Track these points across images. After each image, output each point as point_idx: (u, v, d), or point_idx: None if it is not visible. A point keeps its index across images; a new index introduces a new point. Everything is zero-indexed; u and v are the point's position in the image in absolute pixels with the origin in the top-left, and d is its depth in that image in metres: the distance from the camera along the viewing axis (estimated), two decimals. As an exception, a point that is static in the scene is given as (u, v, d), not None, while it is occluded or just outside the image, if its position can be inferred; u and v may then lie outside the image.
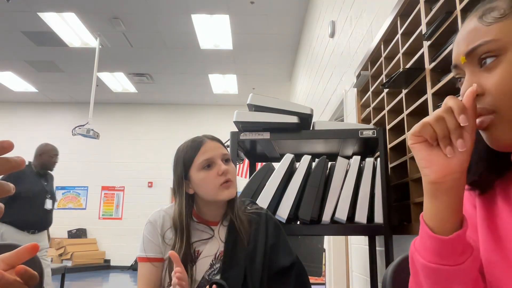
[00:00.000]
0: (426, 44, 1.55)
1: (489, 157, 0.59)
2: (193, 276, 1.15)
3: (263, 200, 1.66)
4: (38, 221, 3.67)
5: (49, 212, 3.81)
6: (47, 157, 3.83)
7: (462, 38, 0.58)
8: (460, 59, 0.58)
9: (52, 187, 3.97)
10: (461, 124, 0.51)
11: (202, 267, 1.17)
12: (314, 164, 1.77)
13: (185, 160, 1.20)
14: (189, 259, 1.15)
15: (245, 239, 1.18)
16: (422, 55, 1.58)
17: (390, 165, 1.88)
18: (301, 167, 1.74)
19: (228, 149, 1.49)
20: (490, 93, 0.54)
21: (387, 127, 1.93)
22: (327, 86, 3.92)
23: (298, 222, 1.75)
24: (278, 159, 2.04)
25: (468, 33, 0.56)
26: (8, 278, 0.46)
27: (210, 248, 1.19)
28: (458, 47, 0.59)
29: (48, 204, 3.76)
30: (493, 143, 0.56)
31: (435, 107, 1.47)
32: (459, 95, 0.61)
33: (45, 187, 3.82)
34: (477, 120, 0.55)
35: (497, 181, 0.60)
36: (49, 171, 3.96)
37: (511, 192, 0.57)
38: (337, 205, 1.70)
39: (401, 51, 1.78)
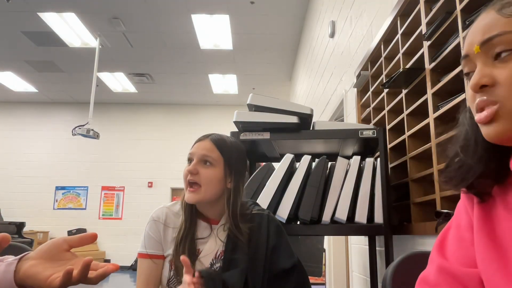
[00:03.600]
0: (426, 44, 1.55)
1: (489, 159, 0.58)
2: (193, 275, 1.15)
3: (263, 200, 1.66)
4: None
5: None
6: None
7: (477, 29, 0.56)
8: (473, 49, 0.56)
9: None
10: None
11: (202, 266, 1.17)
12: (314, 164, 1.77)
13: None
14: (192, 256, 1.15)
15: (245, 241, 1.17)
16: (422, 55, 1.58)
17: (390, 165, 1.88)
18: (301, 167, 1.74)
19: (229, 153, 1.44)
20: (501, 84, 0.52)
21: (387, 127, 1.93)
22: (327, 86, 3.92)
23: (298, 222, 1.75)
24: (278, 159, 2.03)
25: (485, 24, 0.55)
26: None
27: (210, 247, 1.19)
28: (472, 37, 0.57)
29: None
30: (494, 136, 0.53)
31: (435, 107, 1.47)
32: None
33: None
34: (482, 114, 0.53)
35: (496, 189, 0.58)
36: None
37: (510, 200, 0.56)
38: (337, 205, 1.70)
39: (401, 51, 1.78)
